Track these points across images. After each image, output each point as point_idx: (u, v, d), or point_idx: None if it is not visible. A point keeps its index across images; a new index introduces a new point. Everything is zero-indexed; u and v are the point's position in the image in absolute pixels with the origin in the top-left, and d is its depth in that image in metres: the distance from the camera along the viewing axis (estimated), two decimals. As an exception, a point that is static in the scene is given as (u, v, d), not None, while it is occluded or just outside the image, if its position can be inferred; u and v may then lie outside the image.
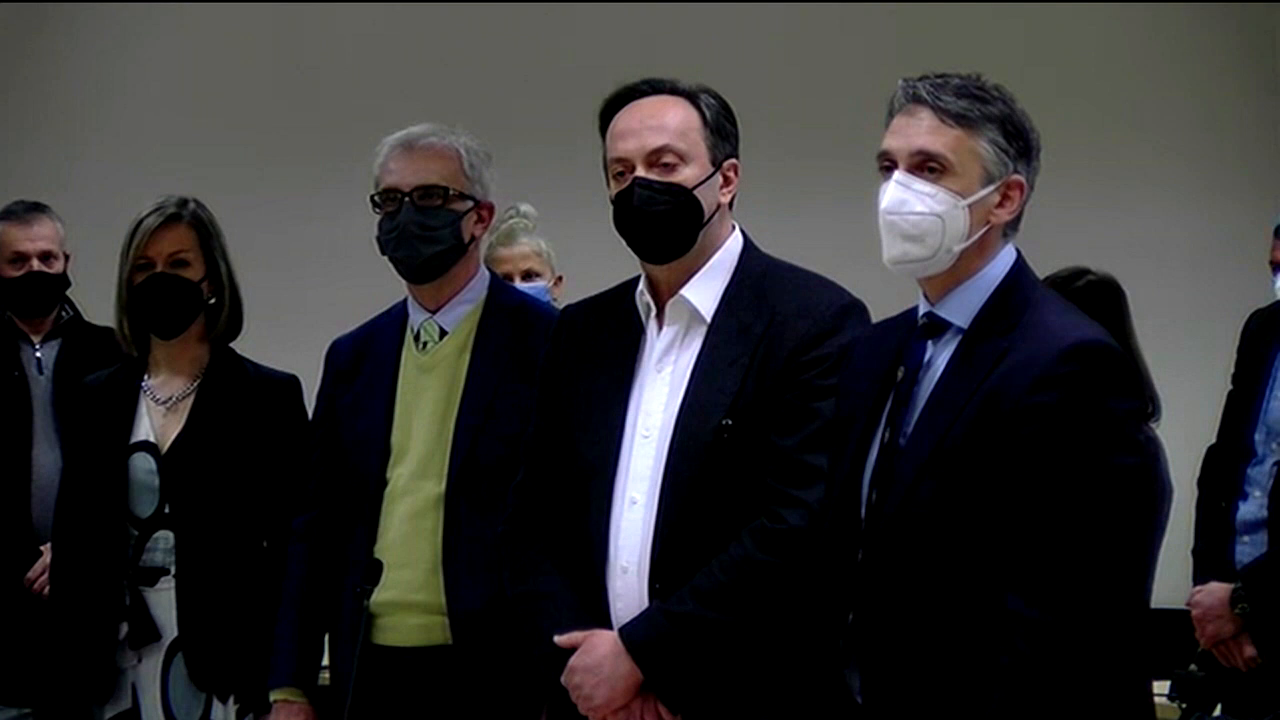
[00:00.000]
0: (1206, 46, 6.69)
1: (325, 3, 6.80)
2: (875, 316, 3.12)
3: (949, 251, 2.80)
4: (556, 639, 3.12)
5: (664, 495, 3.11)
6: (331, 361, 3.78)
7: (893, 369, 2.85)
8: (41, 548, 4.47)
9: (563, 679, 3.12)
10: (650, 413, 3.16)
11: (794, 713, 2.96)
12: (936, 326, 2.83)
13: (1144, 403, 2.73)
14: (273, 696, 3.65)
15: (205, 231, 3.89)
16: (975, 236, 2.80)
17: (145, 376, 3.92)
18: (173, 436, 3.86)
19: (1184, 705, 4.02)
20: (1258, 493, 3.91)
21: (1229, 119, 6.44)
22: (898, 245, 2.83)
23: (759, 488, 3.08)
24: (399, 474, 3.59)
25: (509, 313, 3.64)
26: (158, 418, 3.88)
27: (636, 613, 3.10)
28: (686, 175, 3.16)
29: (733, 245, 3.25)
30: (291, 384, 3.96)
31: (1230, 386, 4.10)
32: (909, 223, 2.81)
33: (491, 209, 3.69)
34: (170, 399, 3.90)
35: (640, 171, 3.15)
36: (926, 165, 2.81)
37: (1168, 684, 4.05)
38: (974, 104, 2.80)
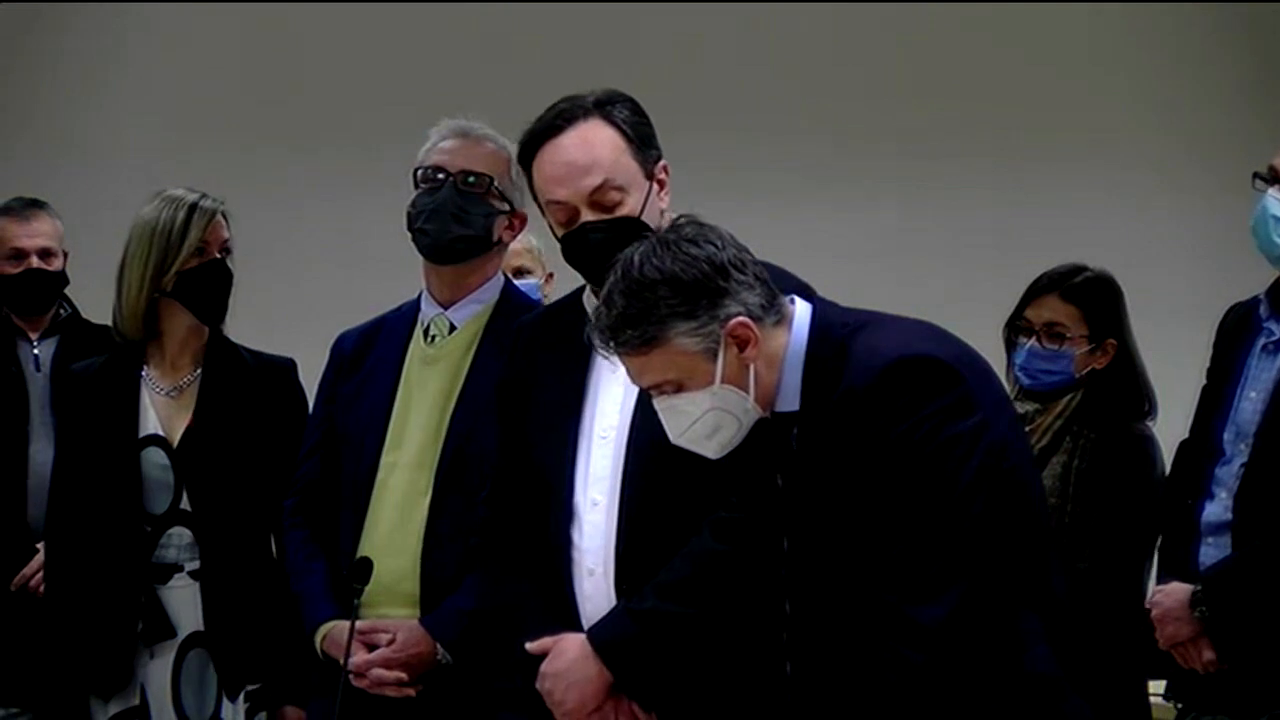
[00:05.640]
0: (1208, 43, 6.68)
1: (321, 2, 6.81)
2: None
3: (748, 411, 2.79)
4: (527, 646, 3.10)
5: (624, 495, 3.11)
6: (337, 352, 3.82)
7: (771, 478, 2.86)
8: (37, 545, 4.46)
9: (536, 685, 3.10)
10: (606, 413, 3.16)
11: (767, 705, 2.94)
12: (784, 419, 2.83)
13: (958, 393, 2.72)
14: (319, 634, 3.63)
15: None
16: (752, 379, 2.77)
17: (144, 367, 3.92)
18: (181, 428, 3.88)
19: (1179, 705, 4.00)
20: (1224, 494, 3.83)
21: (1231, 114, 6.43)
22: (711, 445, 2.82)
23: (719, 480, 3.04)
24: (393, 462, 3.63)
25: (519, 316, 3.63)
26: (162, 409, 3.90)
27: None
28: (630, 205, 3.12)
29: None
30: (290, 367, 4.01)
31: (1204, 382, 4.06)
32: (699, 429, 2.80)
33: (524, 220, 3.74)
34: (173, 388, 3.91)
35: (586, 215, 3.11)
36: (664, 389, 2.79)
37: (1163, 684, 4.03)
38: (643, 318, 2.73)
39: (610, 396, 3.15)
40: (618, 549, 3.09)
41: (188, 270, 3.85)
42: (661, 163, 3.18)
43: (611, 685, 3.05)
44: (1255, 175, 3.91)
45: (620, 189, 3.11)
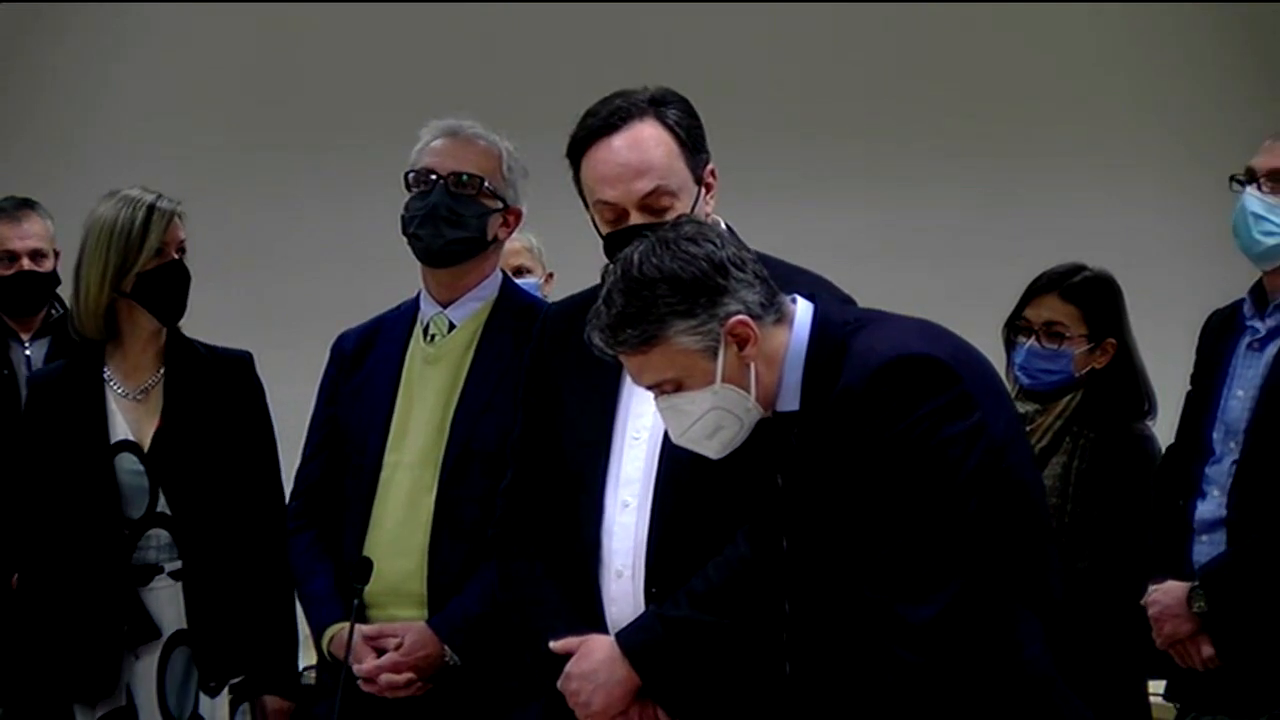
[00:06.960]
0: (1208, 43, 6.67)
1: (320, 2, 6.80)
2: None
3: (749, 411, 2.79)
4: (551, 644, 3.08)
5: (656, 498, 3.09)
6: (338, 352, 3.83)
7: (771, 477, 2.86)
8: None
9: (559, 685, 3.08)
10: (640, 414, 3.13)
11: (767, 704, 2.93)
12: (785, 419, 2.82)
13: (954, 393, 2.71)
14: (327, 636, 3.63)
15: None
16: (753, 378, 2.77)
17: (104, 369, 3.89)
18: (150, 431, 3.86)
19: (1179, 705, 3.99)
20: (1216, 492, 3.85)
21: (1231, 114, 6.41)
22: (712, 445, 2.82)
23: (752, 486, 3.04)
24: (396, 461, 3.62)
25: (518, 312, 3.67)
26: (129, 413, 3.87)
27: (632, 617, 3.07)
28: (680, 209, 3.08)
29: None
30: (247, 360, 4.00)
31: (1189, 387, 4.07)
32: (700, 429, 2.80)
33: (519, 215, 3.73)
34: (139, 391, 3.89)
35: (635, 218, 3.07)
36: (665, 388, 2.79)
37: (1163, 684, 4.03)
38: (643, 316, 2.74)
39: (644, 398, 3.09)
40: (648, 552, 3.07)
41: (147, 271, 3.82)
42: (710, 166, 3.15)
43: (638, 689, 3.03)
44: (1232, 178, 3.95)
45: (671, 194, 3.07)
